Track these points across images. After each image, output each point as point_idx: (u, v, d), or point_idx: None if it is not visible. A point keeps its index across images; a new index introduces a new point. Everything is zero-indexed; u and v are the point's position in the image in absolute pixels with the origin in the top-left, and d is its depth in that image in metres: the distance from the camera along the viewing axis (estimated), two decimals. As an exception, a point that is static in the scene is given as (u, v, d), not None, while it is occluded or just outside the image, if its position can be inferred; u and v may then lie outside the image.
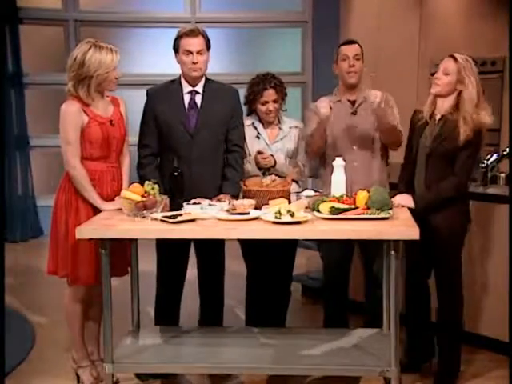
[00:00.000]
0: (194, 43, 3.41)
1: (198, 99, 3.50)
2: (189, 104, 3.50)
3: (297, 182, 3.73)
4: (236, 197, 3.42)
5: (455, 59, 3.23)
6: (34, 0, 7.13)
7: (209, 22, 7.37)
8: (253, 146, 3.65)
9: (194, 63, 3.41)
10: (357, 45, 3.65)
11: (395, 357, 2.99)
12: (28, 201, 7.05)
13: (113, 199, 3.28)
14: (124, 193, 3.13)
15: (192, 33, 3.42)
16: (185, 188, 3.24)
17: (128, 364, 3.18)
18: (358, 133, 3.64)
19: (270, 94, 3.59)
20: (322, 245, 3.75)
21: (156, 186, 3.13)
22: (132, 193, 3.10)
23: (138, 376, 3.54)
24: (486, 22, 5.26)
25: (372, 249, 3.58)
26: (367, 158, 3.64)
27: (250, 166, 3.62)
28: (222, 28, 7.46)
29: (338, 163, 3.30)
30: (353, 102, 3.70)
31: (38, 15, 7.07)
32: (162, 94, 3.52)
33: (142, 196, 3.09)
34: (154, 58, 7.27)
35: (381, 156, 3.69)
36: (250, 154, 3.64)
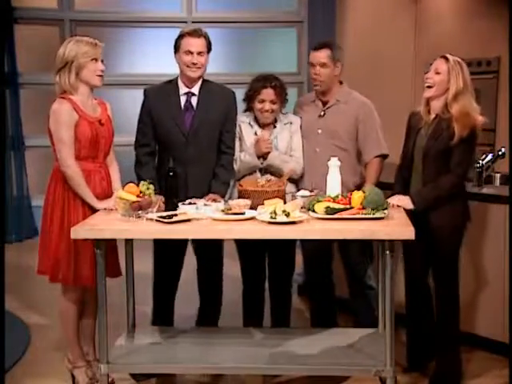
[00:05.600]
0: (196, 44, 3.42)
1: (194, 101, 3.51)
2: (185, 105, 3.51)
3: (294, 181, 3.68)
4: (224, 196, 3.47)
5: (446, 59, 3.25)
6: (30, 0, 7.12)
7: (205, 21, 7.36)
8: (249, 138, 3.62)
9: (193, 63, 3.42)
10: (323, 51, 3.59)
11: (390, 357, 2.99)
12: (23, 201, 7.04)
13: (104, 199, 3.28)
14: (119, 193, 3.12)
15: (195, 33, 3.43)
16: (180, 188, 3.25)
17: (123, 364, 3.18)
18: (322, 136, 3.63)
19: (268, 93, 3.54)
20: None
21: (151, 186, 3.13)
22: (127, 193, 3.09)
23: (134, 376, 3.53)
24: (481, 22, 5.27)
25: (349, 245, 3.60)
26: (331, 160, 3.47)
27: (249, 157, 3.58)
28: (218, 28, 7.45)
29: (334, 163, 3.29)
30: (325, 103, 3.68)
31: (33, 15, 7.06)
32: (158, 94, 3.53)
33: (138, 196, 3.08)
34: (150, 57, 7.26)
35: (354, 157, 3.64)
36: (247, 146, 3.61)
